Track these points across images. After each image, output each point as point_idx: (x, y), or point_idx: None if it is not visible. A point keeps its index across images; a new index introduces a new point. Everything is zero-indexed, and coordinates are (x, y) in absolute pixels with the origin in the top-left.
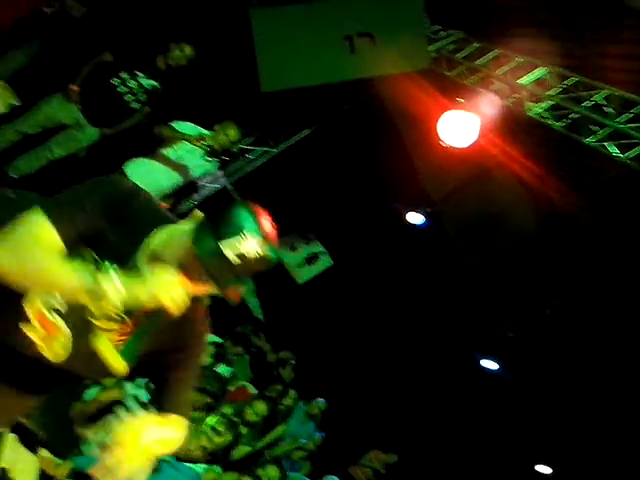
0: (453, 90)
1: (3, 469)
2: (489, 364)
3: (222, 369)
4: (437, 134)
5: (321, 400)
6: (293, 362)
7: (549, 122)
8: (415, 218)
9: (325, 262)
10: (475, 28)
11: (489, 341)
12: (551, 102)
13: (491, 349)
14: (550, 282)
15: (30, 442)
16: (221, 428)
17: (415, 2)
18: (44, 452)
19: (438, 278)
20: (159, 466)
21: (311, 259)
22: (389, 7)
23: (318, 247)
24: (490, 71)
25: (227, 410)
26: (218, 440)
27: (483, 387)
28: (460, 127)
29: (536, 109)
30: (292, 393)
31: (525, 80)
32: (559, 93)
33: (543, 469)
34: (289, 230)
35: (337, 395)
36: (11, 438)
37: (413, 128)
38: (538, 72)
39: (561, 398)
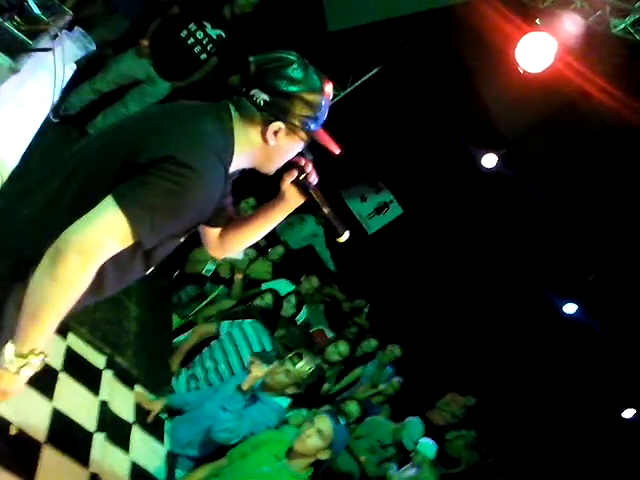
0: (529, 16)
1: (104, 402)
2: (568, 308)
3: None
4: (513, 64)
5: (397, 346)
6: (367, 310)
7: (637, 37)
8: (489, 160)
9: (395, 211)
10: None
11: (569, 284)
12: (638, 16)
13: (571, 292)
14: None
15: (126, 379)
16: (308, 365)
17: None
18: (139, 388)
19: (515, 222)
20: (253, 400)
21: (381, 208)
22: None
23: (388, 196)
24: None
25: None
26: (303, 375)
27: (561, 330)
28: (538, 51)
29: (621, 25)
30: (373, 341)
31: None
32: None
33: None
34: (358, 179)
35: (413, 341)
36: (109, 375)
37: (485, 65)
38: None
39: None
